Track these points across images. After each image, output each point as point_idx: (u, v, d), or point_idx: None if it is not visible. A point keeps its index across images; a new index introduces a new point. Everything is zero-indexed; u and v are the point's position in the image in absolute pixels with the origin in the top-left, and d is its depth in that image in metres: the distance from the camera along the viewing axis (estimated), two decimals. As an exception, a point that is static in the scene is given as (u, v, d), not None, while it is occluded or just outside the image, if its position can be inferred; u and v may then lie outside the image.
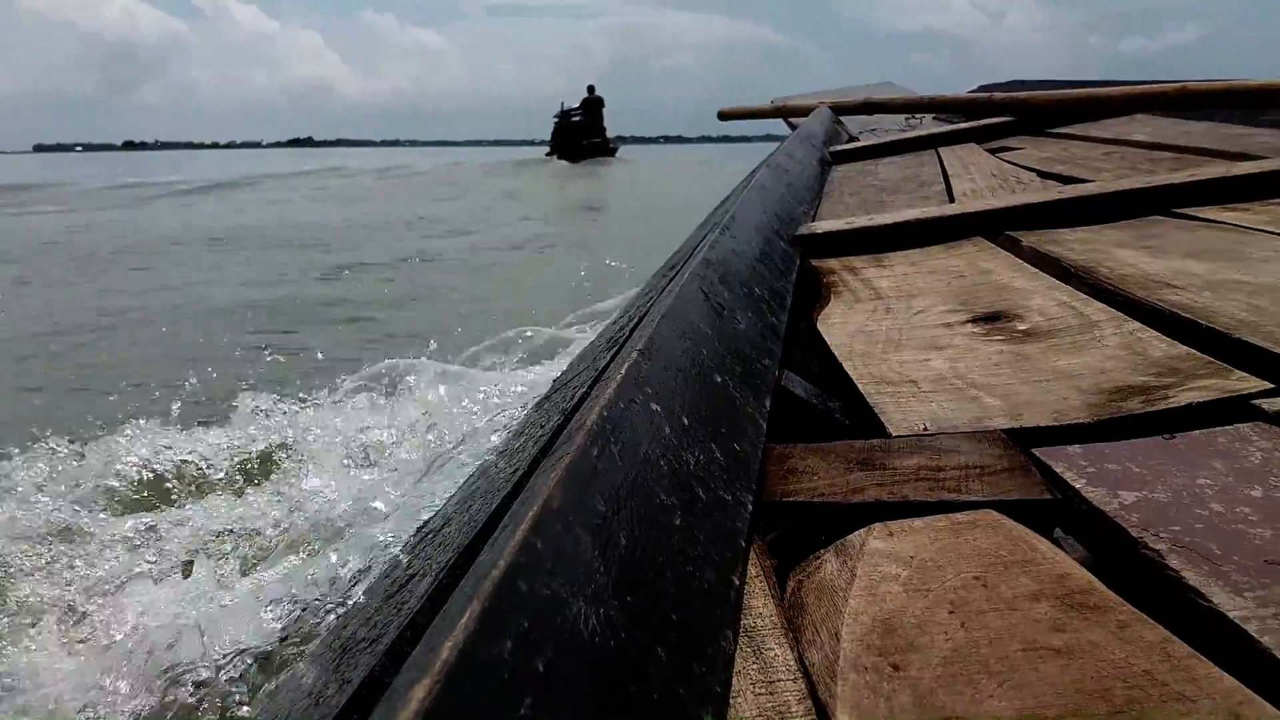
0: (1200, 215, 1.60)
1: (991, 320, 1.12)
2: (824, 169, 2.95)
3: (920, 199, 2.17)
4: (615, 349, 0.87)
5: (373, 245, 10.49)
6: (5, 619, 1.90)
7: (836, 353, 1.05)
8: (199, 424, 3.02)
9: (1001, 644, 0.48)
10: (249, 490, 2.52)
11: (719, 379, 0.79)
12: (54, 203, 19.45)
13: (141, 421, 2.85)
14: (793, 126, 4.22)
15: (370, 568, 1.73)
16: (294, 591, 1.79)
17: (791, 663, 0.50)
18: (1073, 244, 1.46)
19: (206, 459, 2.68)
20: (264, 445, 2.80)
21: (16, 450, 2.70)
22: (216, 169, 41.17)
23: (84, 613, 1.90)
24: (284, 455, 2.74)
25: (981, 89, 4.97)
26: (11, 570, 2.06)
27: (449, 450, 2.48)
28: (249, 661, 1.65)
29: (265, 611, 1.74)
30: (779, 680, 0.48)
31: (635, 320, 0.98)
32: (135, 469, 2.60)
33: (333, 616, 1.66)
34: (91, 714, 1.59)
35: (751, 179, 2.10)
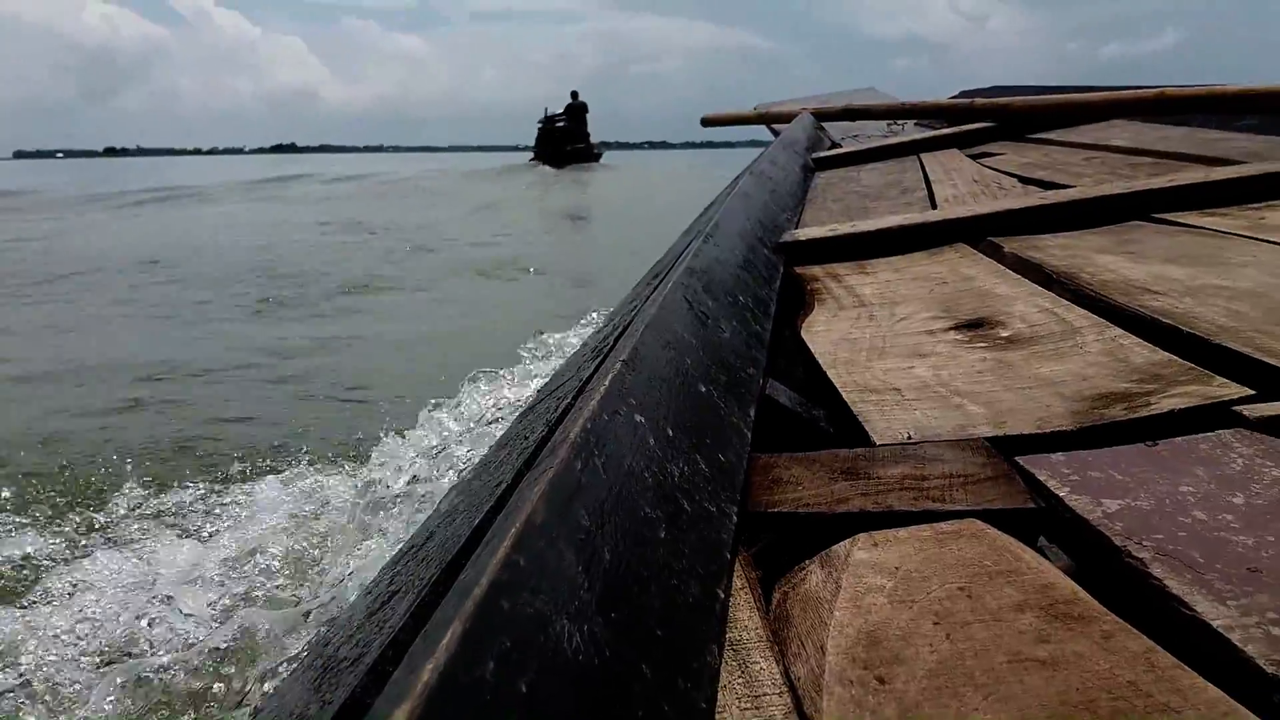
0: (1180, 220, 1.61)
1: (974, 327, 1.12)
2: (807, 175, 2.96)
3: (903, 205, 2.18)
4: (600, 359, 0.87)
5: (317, 270, 9.35)
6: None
7: (820, 361, 1.05)
8: None
9: (986, 656, 0.48)
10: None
11: (703, 389, 0.78)
12: (13, 212, 18.79)
13: None
14: (775, 133, 4.23)
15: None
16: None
17: (777, 676, 0.50)
18: (1054, 250, 1.47)
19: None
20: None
21: None
22: (193, 175, 40.27)
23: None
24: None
25: (963, 94, 5.00)
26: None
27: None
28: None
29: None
30: (764, 694, 0.48)
31: (620, 329, 0.98)
32: None
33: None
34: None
35: (735, 186, 2.11)
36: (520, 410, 1.21)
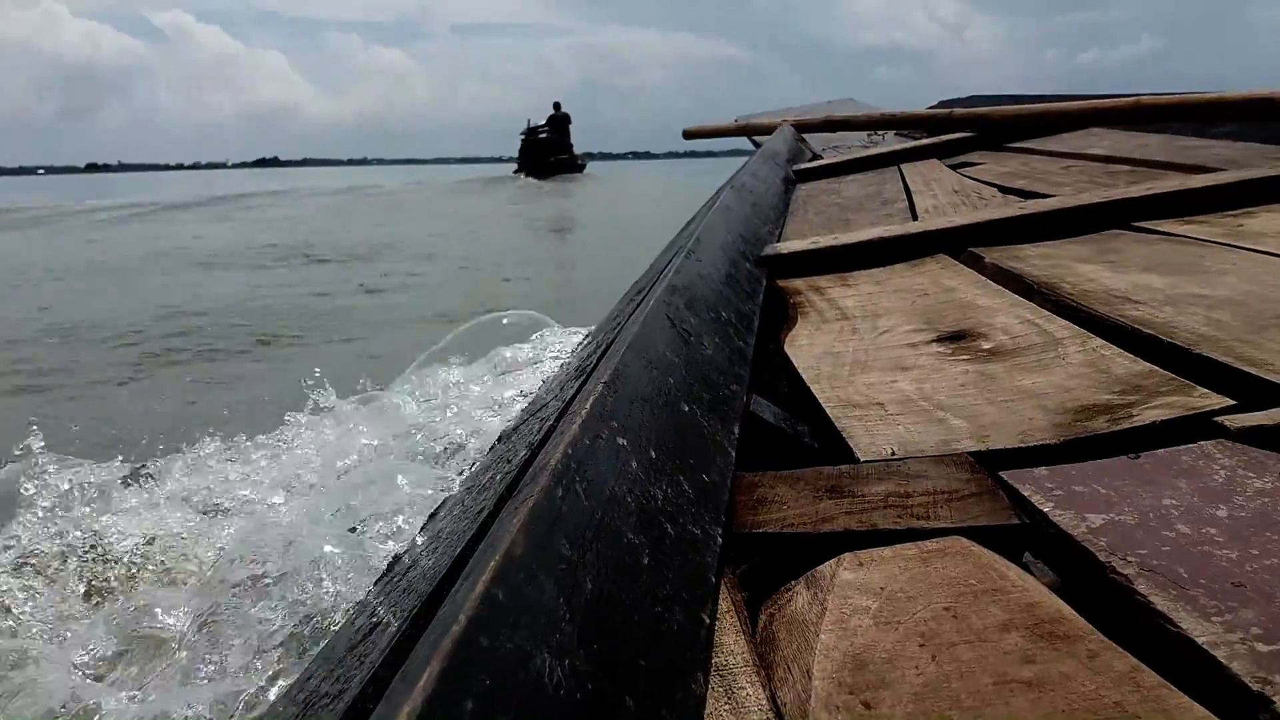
0: (1159, 229, 1.62)
1: (956, 339, 1.12)
2: (788, 188, 2.96)
3: (884, 217, 2.18)
4: (583, 379, 0.86)
5: (266, 305, 7.87)
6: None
7: (804, 375, 1.05)
8: None
9: (972, 677, 0.48)
10: None
11: (686, 408, 0.78)
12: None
13: None
14: (756, 144, 4.25)
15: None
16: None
17: (764, 702, 0.49)
18: (1034, 260, 1.48)
19: None
20: None
21: None
22: (173, 191, 39.30)
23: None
24: None
25: (942, 104, 5.03)
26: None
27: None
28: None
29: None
30: None
31: (602, 348, 0.98)
32: None
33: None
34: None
35: (716, 200, 2.11)
36: (503, 430, 1.20)
